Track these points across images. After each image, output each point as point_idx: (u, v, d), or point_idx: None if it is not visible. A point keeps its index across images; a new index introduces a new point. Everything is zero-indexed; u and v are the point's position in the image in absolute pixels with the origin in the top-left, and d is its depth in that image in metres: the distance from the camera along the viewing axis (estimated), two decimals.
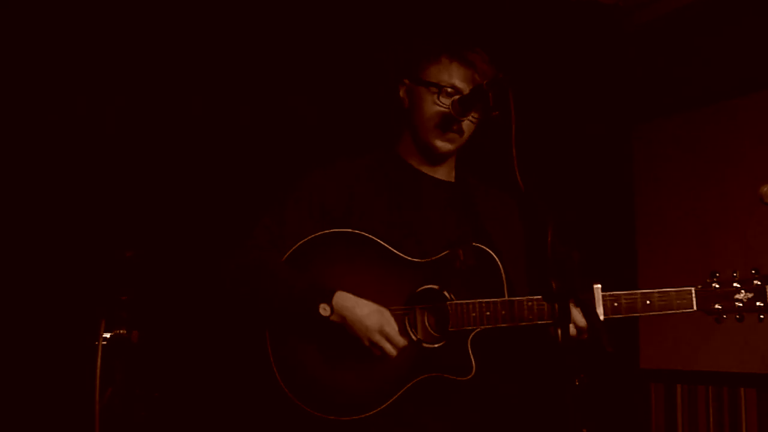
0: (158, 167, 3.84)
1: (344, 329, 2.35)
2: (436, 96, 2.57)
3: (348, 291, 2.37)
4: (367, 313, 2.33)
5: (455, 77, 2.57)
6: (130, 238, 3.66)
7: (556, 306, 1.98)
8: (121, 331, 2.24)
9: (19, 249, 3.49)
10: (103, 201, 3.68)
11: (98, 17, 3.70)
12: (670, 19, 5.01)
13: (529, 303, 2.44)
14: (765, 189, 2.73)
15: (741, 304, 2.44)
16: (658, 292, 2.41)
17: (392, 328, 2.36)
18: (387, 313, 2.37)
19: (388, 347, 2.35)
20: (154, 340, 2.56)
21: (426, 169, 2.66)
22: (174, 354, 3.66)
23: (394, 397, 2.37)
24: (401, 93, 2.68)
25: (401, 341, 2.37)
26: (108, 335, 2.22)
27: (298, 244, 2.44)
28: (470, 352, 2.43)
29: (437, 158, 2.65)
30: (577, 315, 2.40)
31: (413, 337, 2.42)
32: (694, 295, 2.43)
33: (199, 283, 3.82)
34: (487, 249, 2.50)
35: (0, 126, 3.52)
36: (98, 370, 2.15)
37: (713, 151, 4.81)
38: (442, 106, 2.56)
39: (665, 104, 5.07)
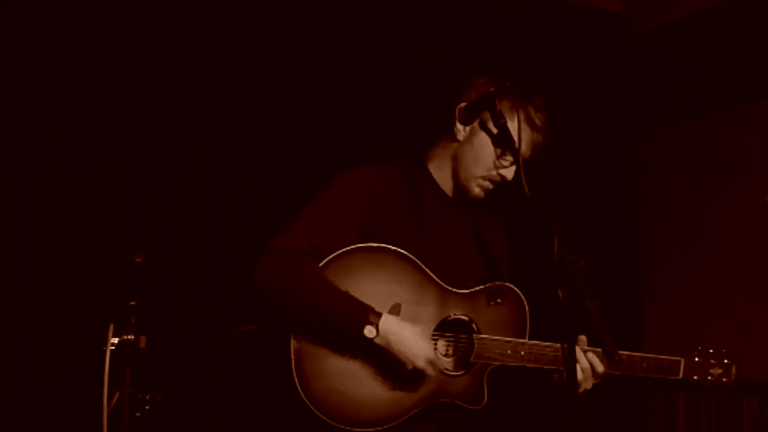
0: (167, 172, 3.85)
1: (382, 351, 2.36)
2: (498, 158, 2.54)
3: (382, 309, 2.37)
4: (416, 340, 2.36)
5: (525, 143, 2.53)
6: (139, 243, 3.66)
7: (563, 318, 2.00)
8: (129, 336, 2.24)
9: (27, 254, 3.50)
10: (112, 206, 3.69)
11: (111, 16, 3.72)
12: (676, 26, 5.02)
13: (548, 349, 2.52)
14: None
15: (712, 378, 2.77)
16: (655, 358, 2.71)
17: (434, 354, 2.41)
18: (427, 339, 2.41)
19: (431, 372, 2.39)
20: (162, 346, 2.56)
21: (449, 192, 2.67)
22: (182, 359, 3.66)
23: (406, 417, 2.42)
24: (457, 119, 2.58)
25: (441, 366, 2.44)
26: (116, 340, 2.22)
27: (338, 252, 2.41)
28: (485, 384, 2.51)
29: (466, 202, 2.66)
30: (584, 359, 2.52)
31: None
32: (682, 365, 2.74)
33: (206, 289, 3.84)
34: (518, 291, 2.58)
35: (7, 128, 3.53)
36: (106, 375, 2.15)
37: (720, 159, 4.81)
38: (497, 166, 2.56)
39: (671, 112, 5.07)
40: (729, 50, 4.75)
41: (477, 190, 2.60)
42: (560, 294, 2.06)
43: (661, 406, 5.01)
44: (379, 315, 2.34)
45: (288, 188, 4.02)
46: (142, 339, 2.26)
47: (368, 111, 4.28)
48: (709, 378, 2.75)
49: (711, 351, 2.77)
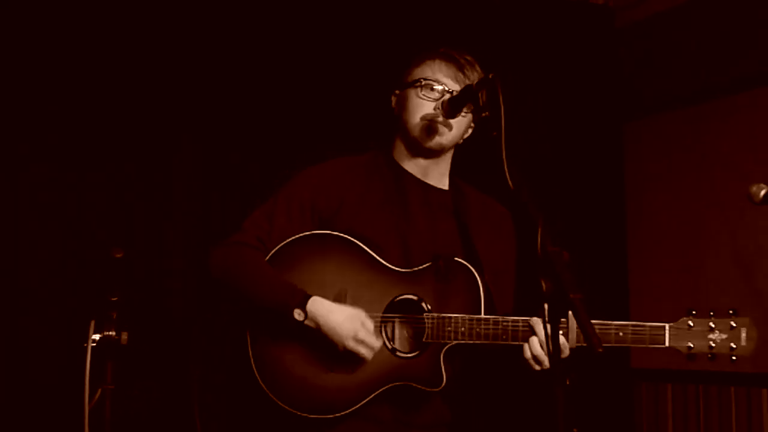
0: (146, 167, 3.84)
1: (319, 333, 2.38)
2: (419, 90, 2.57)
3: (328, 294, 2.41)
4: (341, 321, 2.36)
5: (438, 72, 2.58)
6: (119, 239, 3.65)
7: (546, 306, 1.98)
8: (111, 333, 2.23)
9: (7, 251, 3.48)
10: (92, 201, 3.67)
11: (99, 12, 3.71)
12: (660, 18, 5.03)
13: (505, 323, 2.45)
14: (754, 188, 2.75)
15: (714, 345, 2.44)
16: (632, 326, 2.43)
17: (367, 331, 2.38)
18: (362, 315, 2.39)
19: (363, 351, 2.38)
20: (144, 342, 2.55)
21: (420, 175, 2.65)
22: (164, 355, 3.65)
23: (363, 402, 2.41)
24: (392, 103, 2.70)
25: (376, 343, 2.40)
26: (97, 337, 2.21)
27: (284, 243, 2.47)
28: (442, 364, 2.45)
29: (427, 153, 2.62)
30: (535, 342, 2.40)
31: (388, 345, 2.45)
32: (667, 331, 2.44)
33: (187, 284, 3.83)
34: (468, 265, 2.52)
35: None
36: (87, 372, 2.14)
37: (704, 149, 4.82)
38: (425, 99, 2.56)
39: (655, 103, 5.08)
40: (712, 42, 4.76)
41: (428, 136, 2.57)
42: (543, 286, 2.04)
43: (649, 397, 5.02)
44: (308, 298, 2.37)
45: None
46: (124, 335, 2.25)
47: (359, 109, 4.26)
48: (711, 346, 2.43)
49: (712, 314, 2.44)
